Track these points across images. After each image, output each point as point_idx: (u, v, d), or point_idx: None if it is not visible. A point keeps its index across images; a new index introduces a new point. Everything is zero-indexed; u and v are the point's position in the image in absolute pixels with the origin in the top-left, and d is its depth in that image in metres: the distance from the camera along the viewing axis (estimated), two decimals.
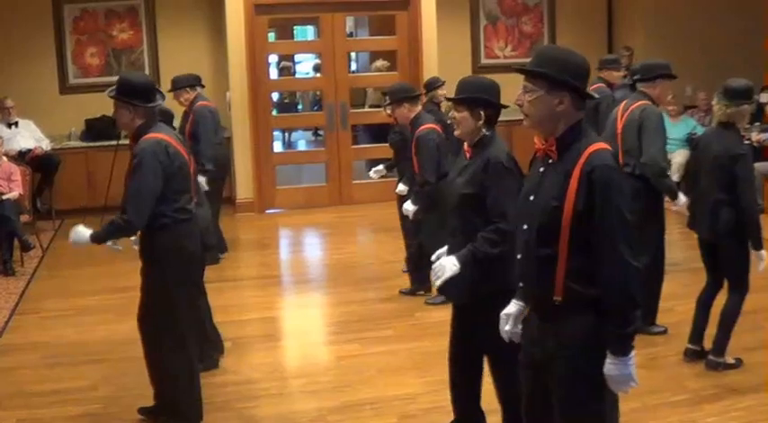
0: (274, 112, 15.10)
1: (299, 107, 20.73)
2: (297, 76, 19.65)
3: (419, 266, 8.05)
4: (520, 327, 3.94)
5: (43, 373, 6.63)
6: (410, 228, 8.23)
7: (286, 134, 19.31)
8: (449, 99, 5.07)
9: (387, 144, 9.05)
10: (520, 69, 3.70)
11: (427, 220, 7.67)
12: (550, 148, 3.61)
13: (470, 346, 4.92)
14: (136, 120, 5.20)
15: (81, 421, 5.81)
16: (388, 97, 8.19)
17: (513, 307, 3.96)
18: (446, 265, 4.68)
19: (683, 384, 6.01)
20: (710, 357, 6.20)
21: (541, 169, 3.67)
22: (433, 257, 4.92)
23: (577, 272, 3.50)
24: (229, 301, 8.20)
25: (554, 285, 3.54)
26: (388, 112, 8.74)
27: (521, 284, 3.82)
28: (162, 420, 5.56)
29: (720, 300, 6.28)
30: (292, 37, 19.62)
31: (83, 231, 5.29)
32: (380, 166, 9.09)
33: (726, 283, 6.24)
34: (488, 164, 4.67)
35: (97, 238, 5.26)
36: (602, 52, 14.09)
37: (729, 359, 6.18)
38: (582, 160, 3.48)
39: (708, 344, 6.30)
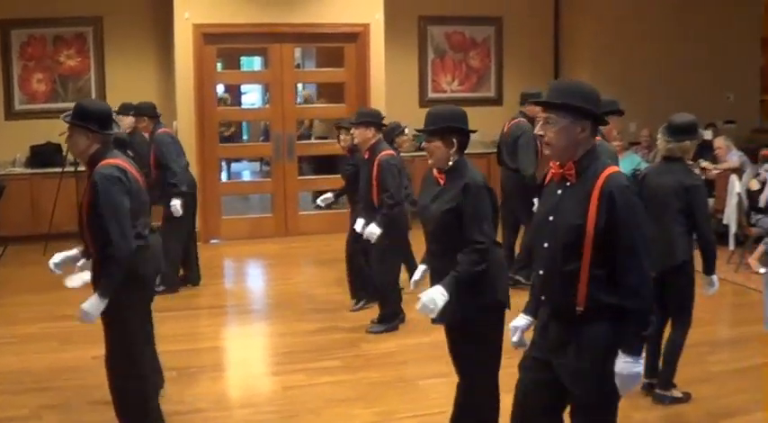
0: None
1: (245, 137, 20.78)
2: (243, 106, 19.74)
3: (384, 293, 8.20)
4: (525, 342, 4.30)
5: None
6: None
7: (229, 164, 19.28)
8: (420, 131, 5.18)
9: (332, 175, 9.16)
10: (544, 102, 3.98)
11: (379, 245, 7.78)
12: (569, 172, 3.94)
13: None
14: (92, 146, 5.17)
15: None
16: (356, 118, 8.22)
17: (521, 320, 4.34)
18: (435, 296, 4.84)
19: (628, 415, 6.07)
20: (657, 391, 6.27)
21: (559, 191, 3.98)
22: (411, 283, 5.40)
23: (598, 282, 3.83)
24: (175, 331, 8.16)
25: (576, 296, 3.86)
26: (343, 144, 8.82)
27: (542, 297, 4.09)
28: None
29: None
30: (239, 67, 19.63)
31: (92, 303, 5.07)
32: (329, 194, 9.26)
33: (672, 316, 6.29)
34: (467, 186, 4.92)
35: (107, 293, 5.07)
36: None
37: (677, 393, 6.26)
38: (600, 182, 3.83)
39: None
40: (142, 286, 5.36)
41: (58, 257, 5.51)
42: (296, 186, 12.99)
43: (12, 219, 11.80)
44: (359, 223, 8.21)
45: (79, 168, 10.93)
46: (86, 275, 5.35)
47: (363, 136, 8.03)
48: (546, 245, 4.00)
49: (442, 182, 5.05)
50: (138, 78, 12.77)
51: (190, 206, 9.70)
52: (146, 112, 9.62)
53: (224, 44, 12.74)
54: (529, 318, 4.32)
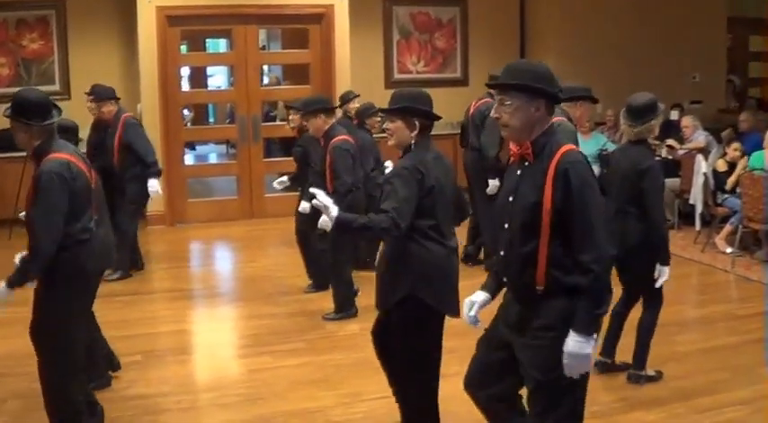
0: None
1: (211, 120, 20.73)
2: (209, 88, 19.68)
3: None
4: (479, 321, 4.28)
5: None
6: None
7: (193, 147, 19.24)
8: (382, 110, 5.13)
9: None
10: (497, 84, 4.01)
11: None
12: (526, 152, 3.94)
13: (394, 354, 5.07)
14: (33, 139, 5.03)
15: None
16: (302, 108, 8.16)
17: (478, 295, 4.33)
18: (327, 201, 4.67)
19: (594, 398, 6.08)
20: (631, 371, 6.31)
21: (518, 172, 3.99)
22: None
23: (557, 261, 3.84)
24: (140, 315, 8.20)
25: (536, 275, 3.87)
26: (292, 125, 8.79)
27: (504, 279, 4.12)
28: None
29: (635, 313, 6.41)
30: (204, 49, 19.52)
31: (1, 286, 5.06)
32: (284, 178, 9.27)
33: (642, 297, 6.34)
34: (394, 168, 4.94)
35: (16, 283, 5.04)
36: None
37: (650, 372, 6.31)
38: (555, 159, 3.82)
39: (621, 357, 6.45)
40: (84, 281, 5.24)
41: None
42: (261, 169, 12.95)
43: None
44: (303, 205, 8.24)
45: None
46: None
47: (314, 125, 7.89)
48: (506, 226, 4.00)
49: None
50: (102, 61, 12.67)
51: (142, 198, 9.69)
52: (109, 95, 9.51)
53: (188, 26, 12.66)
54: (486, 294, 4.32)
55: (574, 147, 3.93)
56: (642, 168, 5.97)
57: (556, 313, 3.85)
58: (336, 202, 4.62)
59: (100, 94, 9.52)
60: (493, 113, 4.06)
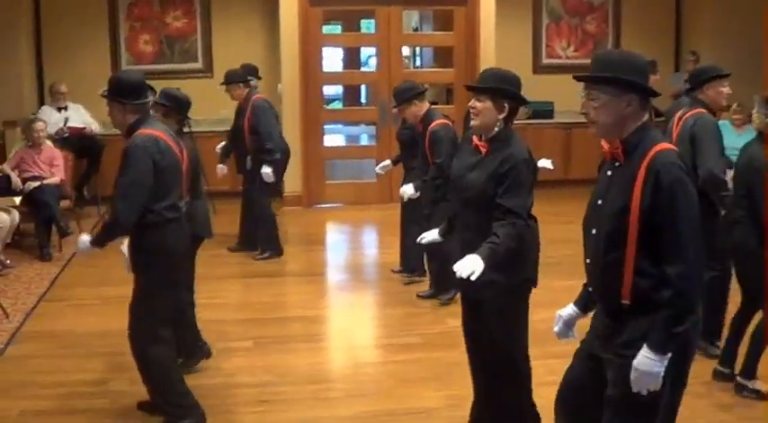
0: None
1: (363, 101, 20.62)
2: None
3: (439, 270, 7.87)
4: (571, 334, 3.99)
5: (56, 363, 6.51)
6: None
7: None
8: (470, 87, 4.81)
9: None
10: (584, 77, 3.64)
11: (431, 214, 7.43)
12: (616, 151, 3.58)
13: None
14: (127, 117, 5.15)
15: (84, 416, 5.64)
16: (394, 99, 7.98)
17: (567, 310, 3.99)
18: (473, 265, 4.36)
19: (712, 414, 5.63)
20: (738, 379, 5.80)
21: (609, 173, 3.65)
22: (423, 240, 5.18)
23: (646, 274, 3.47)
24: (260, 299, 8.15)
25: (621, 288, 3.52)
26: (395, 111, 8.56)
27: (589, 288, 3.83)
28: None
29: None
30: (358, 30, 19.40)
31: (84, 239, 5.29)
32: (387, 161, 9.10)
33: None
34: (509, 159, 4.56)
35: (97, 242, 5.23)
36: (668, 55, 13.76)
37: (759, 385, 5.74)
38: (647, 160, 3.45)
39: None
40: (170, 259, 5.25)
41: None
42: None
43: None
44: (405, 188, 7.94)
45: None
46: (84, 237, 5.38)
47: (409, 112, 7.84)
48: (593, 231, 3.65)
49: (484, 150, 4.66)
50: (245, 40, 12.68)
51: (279, 172, 9.61)
52: (236, 79, 9.46)
53: (330, 6, 12.53)
54: (575, 309, 3.97)
55: (670, 146, 3.54)
56: (757, 167, 5.51)
57: (641, 330, 3.48)
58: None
59: (226, 79, 9.50)
60: (581, 109, 3.67)
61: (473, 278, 4.31)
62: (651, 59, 9.03)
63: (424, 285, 8.21)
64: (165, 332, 5.30)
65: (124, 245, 5.35)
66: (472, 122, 4.68)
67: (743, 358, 5.81)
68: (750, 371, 5.76)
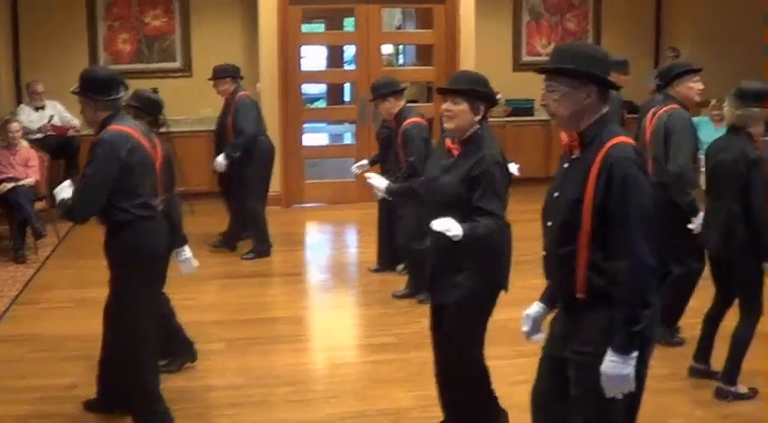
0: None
1: (347, 99, 20.54)
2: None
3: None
4: (541, 334, 3.94)
5: (28, 367, 6.46)
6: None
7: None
8: (444, 90, 4.79)
9: None
10: (544, 69, 3.67)
11: (403, 215, 7.52)
12: (573, 143, 3.60)
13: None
14: (99, 113, 5.10)
15: (56, 421, 5.60)
16: (371, 93, 7.98)
17: (534, 308, 3.96)
18: (450, 224, 4.46)
19: (688, 411, 5.62)
20: (720, 386, 5.75)
21: (566, 165, 3.67)
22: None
23: (599, 268, 3.47)
24: (237, 300, 8.09)
25: (576, 282, 3.52)
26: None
27: (549, 283, 3.83)
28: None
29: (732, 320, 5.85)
30: (342, 28, 19.36)
31: (65, 187, 5.17)
32: (364, 161, 8.99)
33: (738, 303, 5.78)
34: (481, 162, 4.57)
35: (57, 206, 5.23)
36: (649, 52, 13.76)
37: (742, 388, 5.73)
38: (602, 153, 3.46)
39: (716, 365, 5.91)
40: (147, 259, 5.20)
41: None
42: None
43: None
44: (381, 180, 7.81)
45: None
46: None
47: (384, 108, 7.88)
48: (549, 223, 3.67)
49: (456, 153, 4.67)
50: (224, 38, 12.56)
51: (264, 171, 9.58)
52: (224, 73, 9.46)
53: (309, 4, 12.47)
54: (542, 305, 3.95)
55: (627, 139, 3.53)
56: (749, 160, 5.48)
57: (597, 326, 3.49)
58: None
59: (214, 73, 9.48)
60: (540, 100, 3.67)
61: (449, 235, 4.41)
62: (623, 59, 9.07)
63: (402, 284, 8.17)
64: (145, 333, 5.23)
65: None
66: (446, 125, 4.67)
67: (724, 363, 5.77)
68: (733, 376, 5.72)
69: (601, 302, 3.48)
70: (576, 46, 3.93)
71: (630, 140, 3.55)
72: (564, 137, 3.65)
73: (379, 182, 6.86)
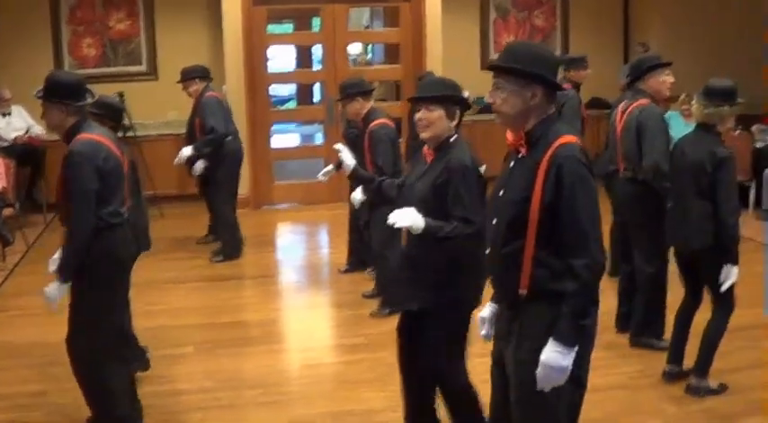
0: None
1: (317, 99, 20.48)
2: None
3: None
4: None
5: None
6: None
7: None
8: (417, 99, 4.72)
9: None
10: (492, 66, 3.69)
11: (375, 218, 7.28)
12: (519, 142, 3.62)
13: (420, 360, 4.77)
14: (68, 119, 4.99)
15: None
16: (339, 93, 7.87)
17: (487, 310, 3.97)
18: (411, 216, 4.44)
19: (662, 409, 5.63)
20: (691, 381, 5.76)
21: (512, 164, 3.69)
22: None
23: (543, 265, 3.52)
24: (205, 303, 8.05)
25: (519, 278, 3.56)
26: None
27: (491, 279, 3.82)
28: None
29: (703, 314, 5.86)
30: (310, 28, 19.32)
31: (50, 288, 5.06)
32: (330, 167, 8.73)
33: (711, 299, 5.77)
34: (447, 167, 4.51)
35: (65, 275, 5.02)
36: (617, 48, 13.78)
37: (712, 384, 5.74)
38: (549, 152, 3.49)
39: (689, 363, 5.90)
40: (116, 266, 5.16)
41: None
42: None
43: None
44: (355, 195, 7.56)
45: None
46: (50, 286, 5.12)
47: (352, 109, 7.72)
48: (494, 221, 3.68)
49: (429, 159, 4.65)
50: (189, 41, 12.49)
51: (234, 173, 9.56)
52: (191, 74, 9.46)
53: (274, 5, 12.43)
54: (494, 305, 3.94)
55: (573, 139, 3.56)
56: (718, 158, 5.47)
57: (539, 323, 3.53)
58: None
59: (183, 75, 9.47)
60: (487, 98, 3.69)
61: (412, 230, 4.41)
62: (581, 55, 9.07)
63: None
64: (111, 341, 5.20)
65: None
66: (423, 135, 4.61)
67: (696, 357, 5.77)
68: (704, 370, 5.73)
69: (544, 299, 3.52)
70: (526, 46, 3.95)
71: (576, 139, 3.58)
72: (509, 136, 3.68)
73: (347, 158, 6.77)
